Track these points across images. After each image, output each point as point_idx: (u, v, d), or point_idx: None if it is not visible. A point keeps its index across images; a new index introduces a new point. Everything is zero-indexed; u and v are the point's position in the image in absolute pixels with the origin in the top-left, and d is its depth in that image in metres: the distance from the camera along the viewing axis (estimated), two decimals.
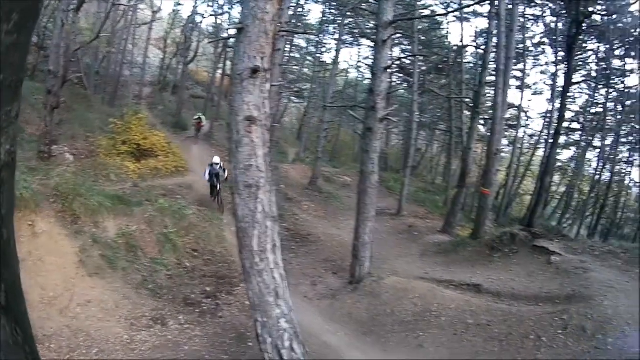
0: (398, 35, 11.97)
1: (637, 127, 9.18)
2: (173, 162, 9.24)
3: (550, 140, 9.53)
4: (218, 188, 8.04)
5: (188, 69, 15.38)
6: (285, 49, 11.75)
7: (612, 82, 9.45)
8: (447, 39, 12.67)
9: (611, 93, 9.49)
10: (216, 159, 8.15)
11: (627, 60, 9.42)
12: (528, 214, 9.13)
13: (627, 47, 9.20)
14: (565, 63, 9.78)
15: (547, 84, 10.00)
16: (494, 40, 9.10)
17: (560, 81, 9.94)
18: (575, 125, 9.68)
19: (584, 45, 9.66)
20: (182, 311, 5.10)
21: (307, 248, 7.97)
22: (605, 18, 9.27)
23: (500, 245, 8.18)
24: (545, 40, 10.61)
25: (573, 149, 9.57)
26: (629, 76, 9.22)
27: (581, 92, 9.87)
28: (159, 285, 5.29)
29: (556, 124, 9.57)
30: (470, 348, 4.78)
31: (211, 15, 16.32)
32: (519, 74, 10.69)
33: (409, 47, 13.03)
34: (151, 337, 4.41)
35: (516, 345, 4.84)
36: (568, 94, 9.55)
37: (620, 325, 5.11)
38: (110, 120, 9.23)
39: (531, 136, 9.91)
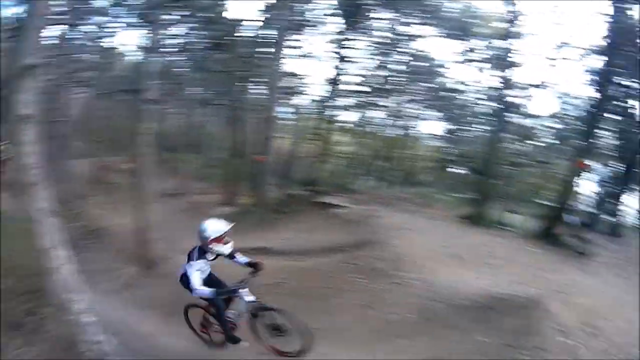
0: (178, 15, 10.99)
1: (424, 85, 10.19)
2: None
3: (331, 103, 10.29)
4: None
5: None
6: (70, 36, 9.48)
7: (398, 46, 10.19)
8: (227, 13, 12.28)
9: (398, 56, 10.24)
10: (215, 226, 3.78)
11: (414, 26, 10.26)
12: (312, 175, 9.65)
13: (413, 13, 10.06)
14: (352, 30, 10.41)
15: (334, 52, 10.24)
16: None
17: (347, 49, 10.41)
18: (364, 88, 10.32)
19: (370, 13, 10.22)
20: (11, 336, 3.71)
21: (101, 241, 7.47)
22: None
23: (283, 207, 8.36)
24: (331, 10, 10.84)
25: (362, 110, 10.34)
26: (415, 40, 10.22)
27: (372, 57, 10.34)
28: None
29: (333, 89, 10.40)
30: None
31: None
32: (304, 44, 10.86)
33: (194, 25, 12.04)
34: None
35: (316, 296, 4.88)
36: (353, 60, 10.34)
37: (416, 260, 5.47)
38: None
39: (316, 102, 10.33)
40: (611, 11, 8.09)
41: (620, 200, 8.43)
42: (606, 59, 8.35)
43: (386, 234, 6.51)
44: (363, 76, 10.08)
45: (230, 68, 9.90)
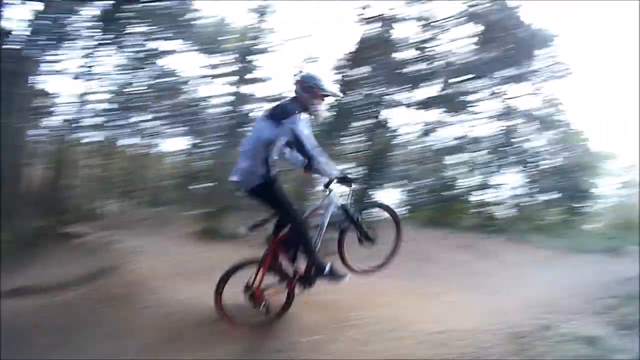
0: None
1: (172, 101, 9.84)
2: None
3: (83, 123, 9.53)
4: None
5: None
6: None
7: (152, 62, 9.79)
8: None
9: (150, 72, 9.88)
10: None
11: (169, 42, 10.01)
12: (60, 203, 8.90)
13: (170, 29, 9.75)
14: (110, 44, 9.77)
15: (89, 67, 9.47)
16: None
17: (104, 63, 9.78)
18: (114, 106, 9.70)
19: (129, 27, 9.71)
20: None
21: None
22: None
23: (33, 241, 7.88)
24: (90, 22, 10.11)
25: (112, 129, 9.69)
26: (167, 57, 10.01)
27: (124, 73, 9.82)
28: None
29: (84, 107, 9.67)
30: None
31: None
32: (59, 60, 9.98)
33: None
34: None
35: (72, 331, 4.50)
36: (106, 76, 9.72)
37: (155, 281, 5.30)
38: None
39: (68, 122, 9.48)
40: (361, 25, 8.48)
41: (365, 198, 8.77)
42: (357, 68, 8.85)
43: (127, 259, 6.35)
44: (113, 93, 9.50)
45: None
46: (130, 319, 4.68)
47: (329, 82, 3.04)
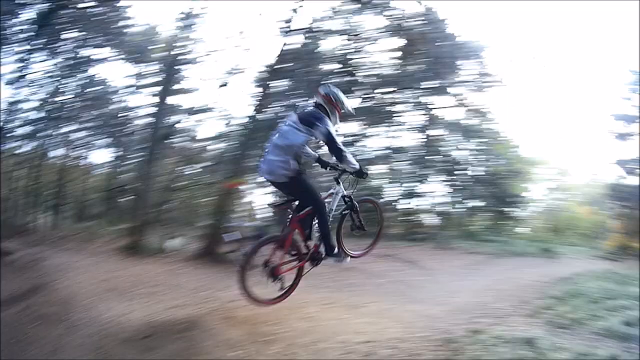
0: None
1: (97, 112, 9.79)
2: None
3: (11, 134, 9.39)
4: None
5: None
6: None
7: (83, 70, 9.67)
8: None
9: (81, 81, 9.69)
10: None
11: (99, 49, 9.85)
12: None
13: (101, 36, 9.64)
14: (43, 50, 9.61)
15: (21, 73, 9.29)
16: None
17: (35, 70, 9.59)
18: (42, 115, 9.54)
19: (61, 32, 9.54)
20: None
21: None
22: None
23: None
24: (22, 27, 9.88)
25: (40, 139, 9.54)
26: (96, 65, 9.86)
27: (55, 81, 9.65)
28: None
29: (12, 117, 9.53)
30: None
31: None
32: None
33: None
34: None
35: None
36: (36, 83, 9.55)
37: (83, 299, 5.35)
38: None
39: None
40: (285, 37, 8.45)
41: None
42: (280, 80, 8.88)
43: (57, 276, 6.30)
44: (43, 101, 9.37)
45: None
46: (63, 339, 4.71)
47: (346, 99, 3.59)
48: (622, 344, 3.94)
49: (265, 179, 3.52)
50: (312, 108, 3.54)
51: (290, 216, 3.64)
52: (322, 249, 3.65)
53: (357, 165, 3.57)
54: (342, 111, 3.59)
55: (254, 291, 3.69)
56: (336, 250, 3.63)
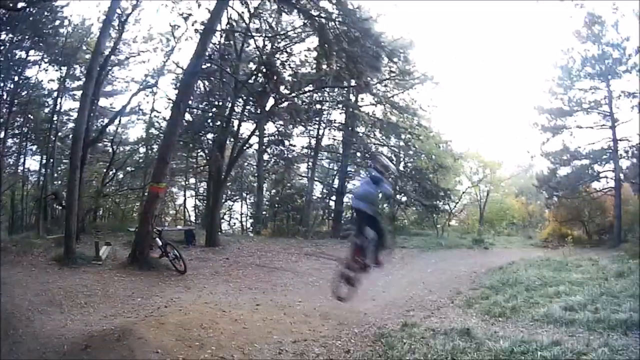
0: None
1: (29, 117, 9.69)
2: None
3: None
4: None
5: None
6: None
7: (15, 73, 9.57)
8: None
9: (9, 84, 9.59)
10: None
11: (32, 51, 9.70)
12: None
13: (34, 38, 9.52)
14: None
15: None
16: None
17: None
18: None
19: None
20: None
21: None
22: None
23: None
24: None
25: None
26: (31, 67, 9.70)
27: None
28: None
29: None
30: None
31: None
32: None
33: None
34: None
35: None
36: None
37: (24, 312, 5.31)
38: None
39: None
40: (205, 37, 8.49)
41: (216, 212, 9.13)
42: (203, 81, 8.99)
43: None
44: None
45: None
46: (12, 355, 4.60)
47: (391, 164, 5.26)
48: (565, 329, 4.04)
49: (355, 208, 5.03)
50: (376, 174, 4.89)
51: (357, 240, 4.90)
52: (368, 261, 4.84)
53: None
54: (390, 176, 5.18)
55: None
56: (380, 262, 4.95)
